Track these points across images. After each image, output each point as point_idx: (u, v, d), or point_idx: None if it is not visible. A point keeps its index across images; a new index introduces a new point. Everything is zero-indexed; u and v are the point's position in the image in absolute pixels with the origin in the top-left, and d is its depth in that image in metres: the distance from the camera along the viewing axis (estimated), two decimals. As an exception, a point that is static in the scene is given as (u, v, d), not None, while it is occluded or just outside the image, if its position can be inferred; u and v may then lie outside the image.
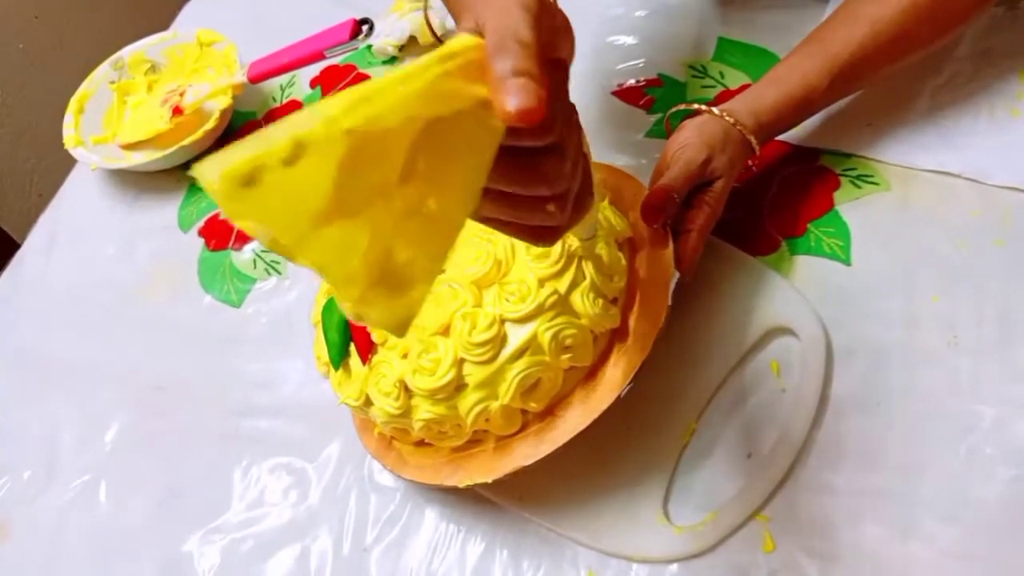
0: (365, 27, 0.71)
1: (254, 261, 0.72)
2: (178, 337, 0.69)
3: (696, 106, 0.57)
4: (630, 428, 0.54)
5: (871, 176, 0.61)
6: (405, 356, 0.49)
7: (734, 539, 0.49)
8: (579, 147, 0.38)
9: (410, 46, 0.82)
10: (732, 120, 0.54)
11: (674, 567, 0.49)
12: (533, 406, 0.49)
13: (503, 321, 0.47)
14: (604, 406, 0.48)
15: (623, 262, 0.51)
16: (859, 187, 0.61)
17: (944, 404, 0.51)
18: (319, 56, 0.73)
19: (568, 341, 0.48)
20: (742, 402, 0.54)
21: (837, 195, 0.60)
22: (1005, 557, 0.46)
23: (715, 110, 0.55)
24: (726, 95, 0.69)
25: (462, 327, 0.47)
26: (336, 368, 0.52)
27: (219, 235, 0.74)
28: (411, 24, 0.81)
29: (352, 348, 0.52)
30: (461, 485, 0.50)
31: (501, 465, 0.49)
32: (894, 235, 0.58)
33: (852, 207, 0.60)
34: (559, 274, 0.48)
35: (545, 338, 0.47)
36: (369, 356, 0.51)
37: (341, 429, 0.60)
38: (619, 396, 0.48)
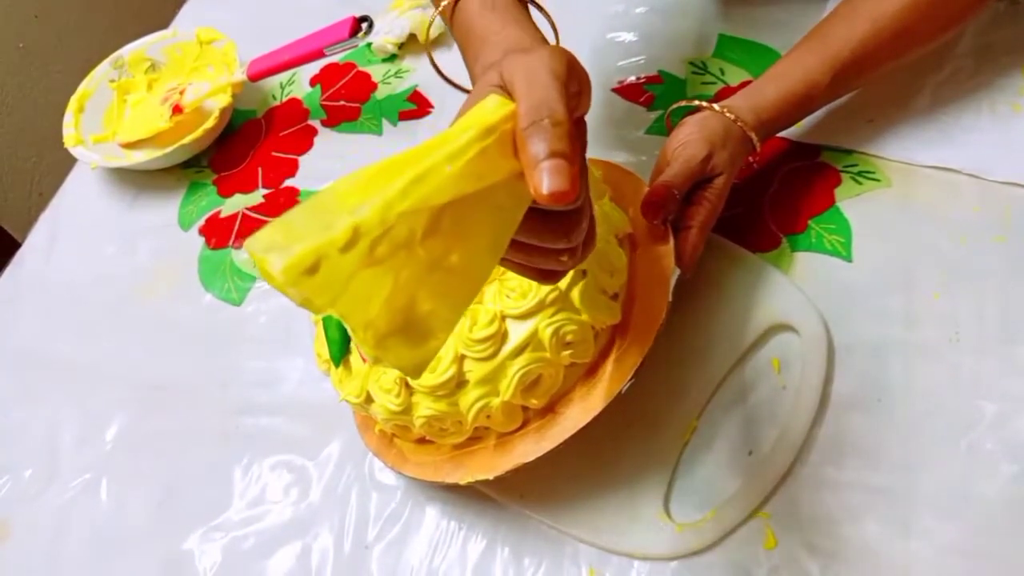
0: (364, 25, 0.71)
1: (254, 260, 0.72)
2: (178, 335, 0.69)
3: (697, 102, 0.56)
4: (631, 425, 0.54)
5: (872, 172, 0.61)
6: None
7: (735, 536, 0.49)
8: (590, 205, 0.39)
9: (409, 44, 0.82)
10: (733, 117, 0.54)
11: (675, 564, 0.49)
12: (534, 403, 0.49)
13: (503, 317, 0.47)
14: (605, 403, 0.48)
15: (623, 258, 0.51)
16: (860, 183, 0.60)
17: (945, 400, 0.51)
18: (318, 54, 0.73)
19: (569, 337, 0.48)
20: (743, 399, 0.54)
21: (838, 191, 0.60)
22: (1007, 554, 0.46)
23: (716, 106, 0.55)
24: (726, 91, 0.69)
25: (462, 323, 0.47)
26: (337, 365, 0.52)
27: (219, 233, 0.74)
28: (410, 22, 0.81)
29: (353, 346, 0.52)
30: (462, 482, 0.50)
31: (502, 462, 0.49)
32: (895, 231, 0.58)
33: (853, 203, 0.60)
34: None
35: (546, 334, 0.47)
36: None
37: (342, 427, 0.60)
38: (620, 392, 0.48)
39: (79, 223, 0.81)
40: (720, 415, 0.53)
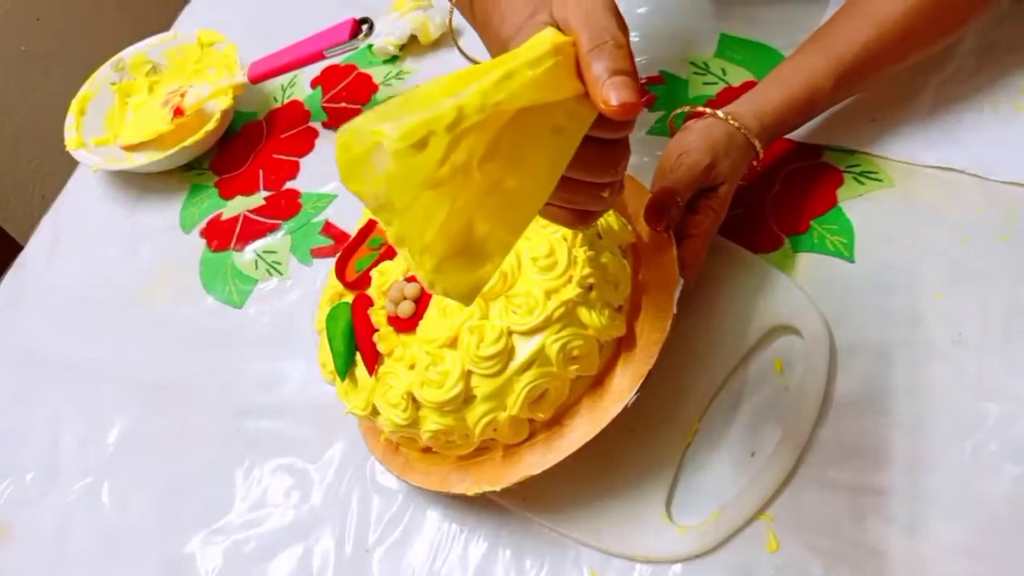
0: (365, 26, 0.71)
1: (255, 262, 0.72)
2: (180, 338, 0.69)
3: (700, 108, 0.56)
4: (633, 428, 0.53)
5: (874, 172, 0.60)
6: (412, 367, 0.49)
7: (738, 539, 0.49)
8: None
9: (411, 45, 0.82)
10: (736, 124, 0.54)
11: (677, 567, 0.49)
12: (540, 416, 0.49)
13: (510, 333, 0.47)
14: (611, 416, 0.48)
15: (627, 270, 0.51)
16: (862, 183, 0.60)
17: (949, 401, 0.50)
18: (319, 56, 0.73)
19: (575, 352, 0.47)
20: (745, 401, 0.53)
21: (840, 192, 0.60)
22: (1012, 554, 0.45)
23: (719, 113, 0.55)
24: (728, 92, 0.68)
25: (469, 340, 0.47)
26: (343, 379, 0.52)
27: (221, 236, 0.74)
28: (411, 23, 0.81)
29: (358, 358, 0.52)
30: (469, 493, 0.50)
31: (510, 473, 0.49)
32: (897, 231, 0.57)
33: (855, 203, 0.59)
34: (565, 285, 0.48)
35: (552, 350, 0.47)
36: (376, 367, 0.50)
37: (343, 430, 0.60)
38: (626, 406, 0.48)
39: (81, 226, 0.81)
40: (722, 417, 0.53)
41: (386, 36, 0.81)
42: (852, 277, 0.56)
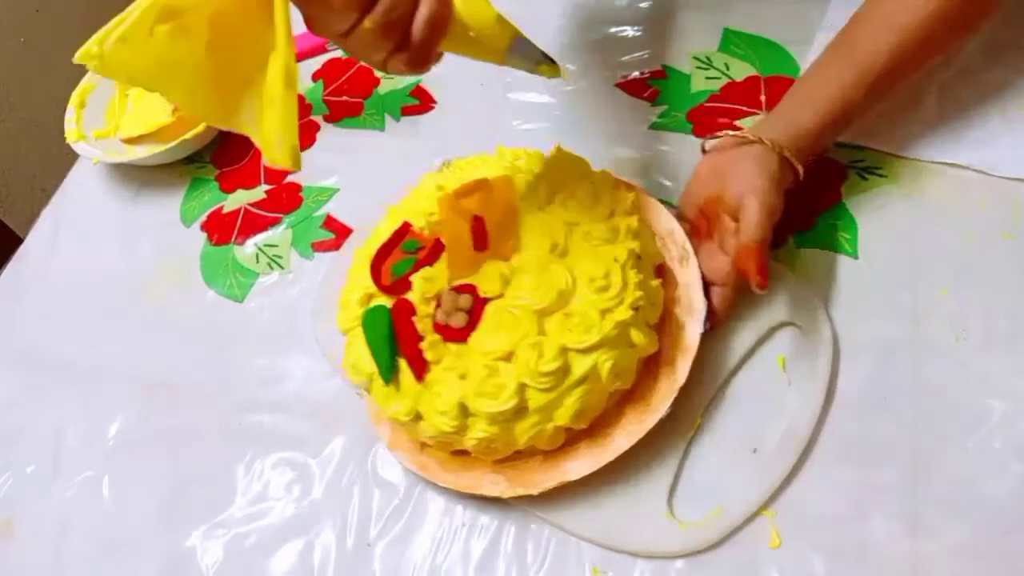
0: (367, 19, 0.71)
1: (256, 255, 0.71)
2: (181, 332, 0.68)
3: (744, 133, 0.54)
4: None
5: (879, 168, 0.60)
6: (463, 377, 0.49)
7: (740, 535, 0.49)
8: None
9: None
10: (789, 154, 0.52)
11: (679, 563, 0.49)
12: (580, 426, 0.51)
13: (566, 351, 0.48)
14: (649, 427, 0.51)
15: (661, 291, 0.53)
16: (867, 180, 0.60)
17: (953, 398, 0.50)
18: (321, 48, 0.73)
19: (622, 370, 0.49)
20: (748, 397, 0.53)
21: (845, 188, 0.60)
22: (1015, 552, 0.45)
23: (767, 141, 0.53)
24: (732, 86, 0.68)
25: (529, 356, 0.48)
26: (387, 383, 0.51)
27: (221, 230, 0.74)
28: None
29: (403, 364, 0.51)
30: (505, 496, 0.51)
31: (548, 478, 0.51)
32: (902, 228, 0.57)
33: (860, 200, 0.59)
34: (618, 306, 0.49)
35: (605, 368, 0.48)
36: (423, 374, 0.50)
37: (344, 424, 0.59)
38: (661, 417, 0.51)
39: (81, 219, 0.80)
40: (725, 413, 0.53)
41: (388, 29, 0.81)
42: (856, 273, 0.56)
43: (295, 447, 0.60)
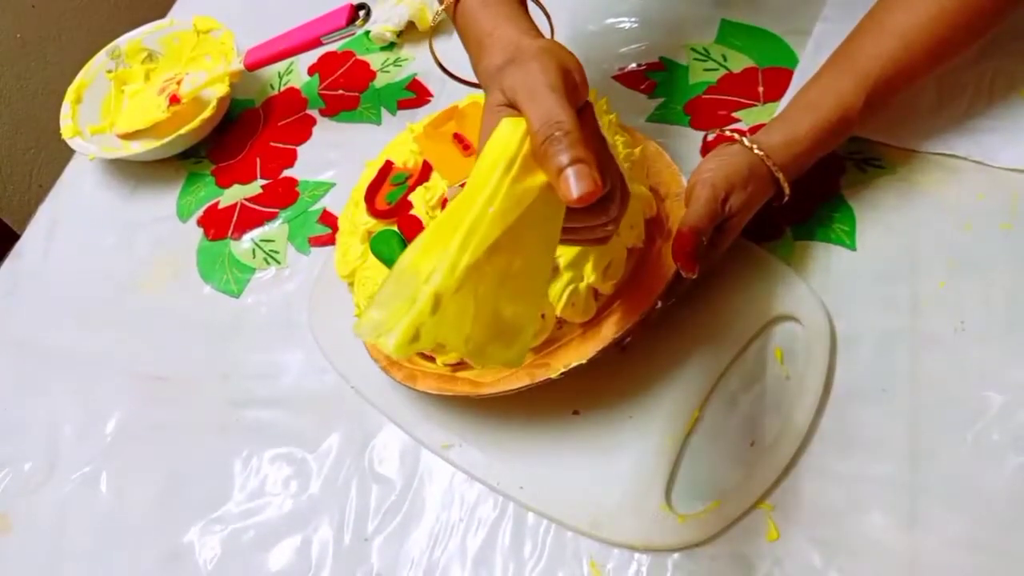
0: (362, 13, 0.71)
1: (253, 251, 0.71)
2: (178, 327, 0.68)
3: (728, 133, 0.54)
4: (632, 416, 0.53)
5: (877, 159, 0.60)
6: None
7: (737, 528, 0.49)
8: (613, 166, 0.42)
9: (408, 32, 0.82)
10: (761, 153, 0.52)
11: (677, 556, 0.49)
12: (607, 288, 0.52)
13: None
14: (657, 295, 0.52)
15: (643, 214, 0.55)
16: (865, 171, 0.60)
17: (951, 390, 0.50)
18: (316, 43, 0.73)
19: (633, 221, 0.52)
20: (745, 390, 0.53)
21: (842, 180, 0.60)
22: (1013, 545, 0.45)
23: (746, 141, 0.53)
24: (729, 78, 0.68)
25: None
26: None
27: (218, 225, 0.74)
28: (409, 9, 0.80)
29: None
30: (554, 376, 0.51)
31: (591, 346, 0.51)
32: (900, 219, 0.57)
33: (857, 191, 0.59)
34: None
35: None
36: None
37: (342, 419, 0.59)
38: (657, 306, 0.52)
39: (77, 214, 0.80)
40: (723, 406, 0.53)
41: (383, 23, 0.81)
42: (854, 265, 0.56)
43: (292, 442, 0.60)
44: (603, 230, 0.43)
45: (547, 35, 0.52)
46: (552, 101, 0.37)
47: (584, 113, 0.40)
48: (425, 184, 0.58)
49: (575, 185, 0.36)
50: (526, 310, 0.40)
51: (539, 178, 0.38)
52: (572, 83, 0.39)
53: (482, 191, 0.37)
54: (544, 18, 0.56)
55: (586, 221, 0.41)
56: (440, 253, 0.36)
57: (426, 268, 0.36)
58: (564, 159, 0.36)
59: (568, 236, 0.42)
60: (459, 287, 0.36)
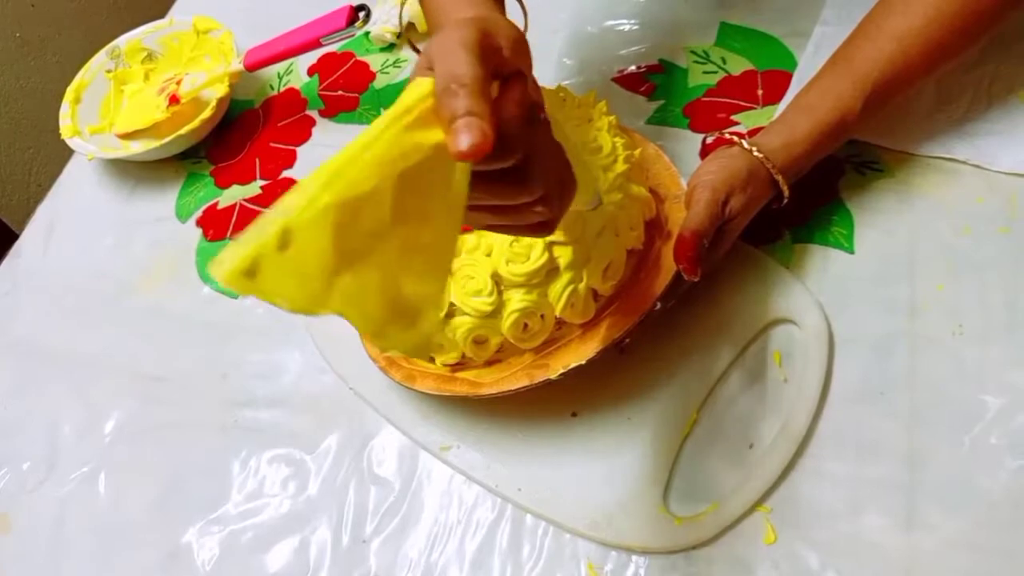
0: (361, 14, 0.71)
1: (252, 251, 0.71)
2: (177, 328, 0.68)
3: (727, 135, 0.55)
4: (631, 419, 0.53)
5: (875, 163, 0.60)
6: (489, 255, 0.51)
7: (735, 530, 0.49)
8: (550, 146, 0.40)
9: (409, 33, 0.81)
10: (761, 156, 0.52)
11: (675, 558, 0.49)
12: (606, 289, 0.52)
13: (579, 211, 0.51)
14: (659, 291, 0.52)
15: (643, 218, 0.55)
16: (863, 174, 0.60)
17: (949, 393, 0.50)
18: (316, 44, 0.73)
19: (632, 221, 0.53)
20: (744, 392, 0.53)
21: (840, 182, 0.60)
22: (1010, 547, 0.45)
23: (745, 143, 0.53)
24: (729, 80, 0.68)
25: None
26: None
27: (217, 225, 0.74)
28: (409, 10, 0.80)
29: None
30: (554, 376, 0.51)
31: (590, 348, 0.51)
32: (898, 222, 0.57)
33: (856, 194, 0.59)
34: (614, 163, 0.53)
35: (619, 219, 0.51)
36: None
37: (340, 420, 0.59)
38: (656, 306, 0.52)
39: (76, 214, 0.80)
40: (721, 408, 0.53)
41: (383, 24, 0.81)
42: (852, 268, 0.56)
43: (291, 443, 0.60)
44: (533, 213, 0.39)
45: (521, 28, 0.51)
46: (459, 57, 0.35)
47: (514, 81, 0.38)
48: None
49: (461, 135, 0.33)
50: (427, 290, 0.36)
51: (435, 134, 0.35)
52: (492, 45, 0.36)
53: (364, 136, 0.34)
54: (522, 15, 0.57)
55: (502, 196, 0.38)
56: (302, 191, 0.33)
57: (285, 205, 0.32)
58: (456, 110, 0.33)
59: (494, 218, 0.39)
60: (313, 226, 0.32)
